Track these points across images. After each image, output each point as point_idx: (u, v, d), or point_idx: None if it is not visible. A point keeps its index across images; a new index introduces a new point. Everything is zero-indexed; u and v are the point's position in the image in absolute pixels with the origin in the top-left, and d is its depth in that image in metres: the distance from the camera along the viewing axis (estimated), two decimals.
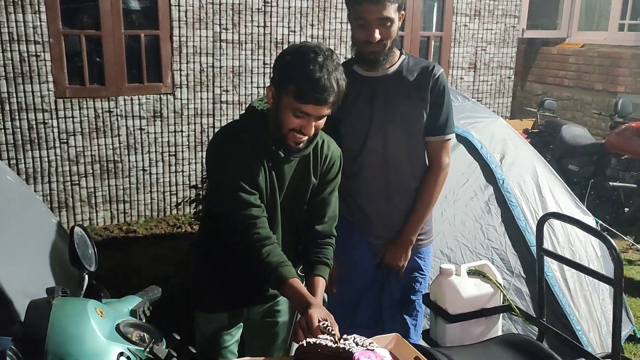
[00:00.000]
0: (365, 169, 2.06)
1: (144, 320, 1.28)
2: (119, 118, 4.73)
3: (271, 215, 1.70)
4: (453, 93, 3.54)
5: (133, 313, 1.29)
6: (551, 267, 2.77)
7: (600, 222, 3.13)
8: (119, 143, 4.78)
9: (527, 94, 7.30)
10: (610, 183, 4.17)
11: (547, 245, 2.85)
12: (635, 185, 4.12)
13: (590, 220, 3.04)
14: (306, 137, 1.62)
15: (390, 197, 2.08)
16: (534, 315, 1.86)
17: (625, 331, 2.99)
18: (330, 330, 1.39)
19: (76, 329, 1.08)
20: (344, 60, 2.08)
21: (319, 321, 1.43)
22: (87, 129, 4.64)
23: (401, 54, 2.04)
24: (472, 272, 1.78)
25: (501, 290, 1.75)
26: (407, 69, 2.00)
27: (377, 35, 1.85)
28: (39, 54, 4.36)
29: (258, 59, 5.16)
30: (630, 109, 4.78)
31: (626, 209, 4.12)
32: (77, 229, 1.36)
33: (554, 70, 7.05)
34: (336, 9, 5.38)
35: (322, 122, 1.63)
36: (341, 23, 5.43)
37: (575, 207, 3.08)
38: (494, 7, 6.29)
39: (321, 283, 1.69)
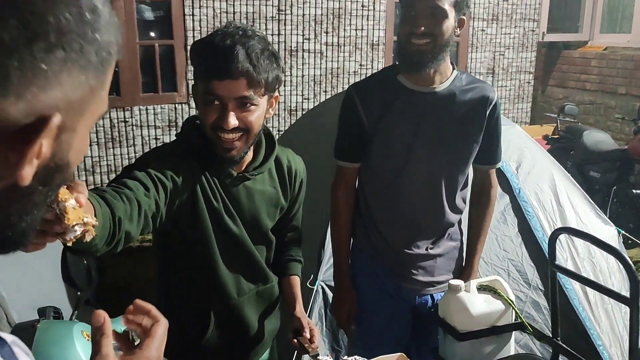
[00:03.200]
0: (402, 200, 1.81)
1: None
2: (135, 128, 4.75)
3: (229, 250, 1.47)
4: None
5: (126, 334, 1.24)
6: (570, 279, 2.67)
7: (623, 232, 3.01)
8: (135, 152, 4.80)
9: (548, 99, 7.16)
10: (634, 191, 4.04)
11: (566, 257, 2.77)
12: None
13: (611, 230, 2.93)
14: (235, 136, 1.34)
15: (428, 233, 1.85)
16: (549, 334, 1.78)
17: None
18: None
19: (60, 353, 1.05)
20: (388, 67, 1.88)
21: None
22: (102, 139, 4.67)
23: (453, 69, 1.78)
24: (483, 288, 1.71)
25: (513, 307, 1.68)
26: (460, 89, 1.75)
27: (423, 26, 1.60)
28: None
29: None
30: None
31: None
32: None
33: (576, 74, 6.90)
34: (350, 15, 5.34)
35: (252, 115, 1.33)
36: (355, 30, 5.39)
37: (595, 216, 2.98)
38: (512, 11, 6.19)
39: (298, 283, 1.67)
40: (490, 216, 1.95)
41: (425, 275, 1.87)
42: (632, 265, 1.38)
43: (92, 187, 4.66)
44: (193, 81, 1.44)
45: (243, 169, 1.47)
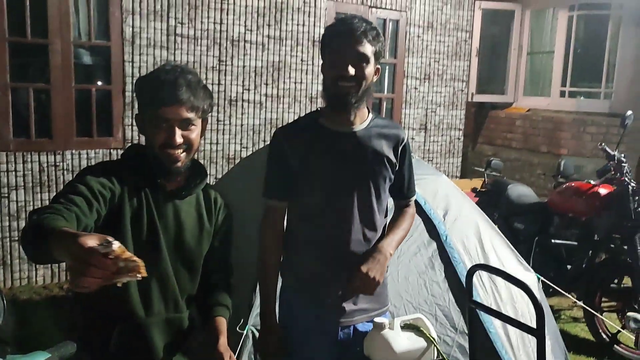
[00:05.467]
0: (325, 232, 1.89)
1: None
2: (65, 172, 4.62)
3: (154, 266, 1.54)
4: None
5: None
6: (494, 323, 2.77)
7: (543, 278, 3.16)
8: None
9: (477, 155, 7.53)
10: (553, 241, 4.26)
11: (490, 302, 2.87)
12: (576, 243, 4.22)
13: (532, 276, 3.07)
14: (180, 152, 1.59)
15: (348, 263, 1.88)
16: None
17: None
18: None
19: None
20: (311, 112, 2.00)
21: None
22: (30, 183, 4.51)
23: (369, 112, 1.94)
24: (406, 326, 1.76)
25: (435, 345, 1.73)
26: (376, 130, 1.90)
27: (352, 70, 1.75)
28: None
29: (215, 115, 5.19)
30: (572, 170, 4.96)
31: (569, 266, 4.20)
32: None
33: (503, 133, 7.33)
34: (292, 10, 5.47)
35: (192, 133, 1.62)
36: (297, 25, 5.51)
37: (517, 264, 3.12)
38: (443, 72, 6.57)
39: (224, 323, 1.68)
40: (409, 223, 2.04)
41: (347, 304, 1.90)
42: (537, 296, 1.47)
43: (16, 232, 4.48)
44: (138, 111, 1.69)
45: (175, 189, 1.65)
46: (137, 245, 1.52)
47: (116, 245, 1.03)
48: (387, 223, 2.02)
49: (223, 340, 1.64)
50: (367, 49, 1.77)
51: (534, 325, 1.69)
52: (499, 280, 2.87)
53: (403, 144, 1.94)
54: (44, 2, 4.38)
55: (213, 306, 1.73)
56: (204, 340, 1.69)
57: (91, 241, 1.04)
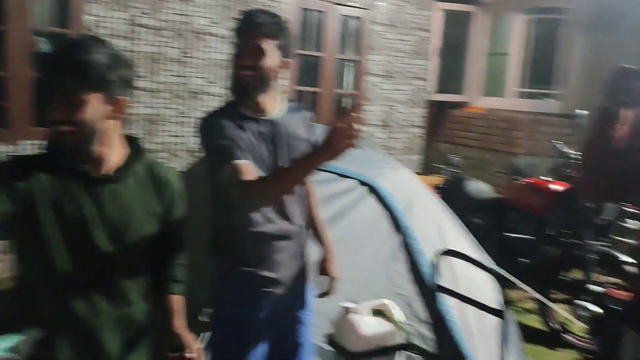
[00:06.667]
0: (266, 213, 1.98)
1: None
2: None
3: (82, 257, 1.41)
4: (363, 143, 3.68)
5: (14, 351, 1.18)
6: (455, 314, 2.84)
7: (501, 270, 3.28)
8: None
9: (436, 153, 7.69)
10: (509, 235, 4.42)
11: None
12: (531, 237, 4.38)
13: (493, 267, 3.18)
14: (67, 131, 1.38)
15: (288, 235, 2.04)
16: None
17: None
18: None
19: None
20: (230, 102, 2.05)
21: None
22: None
23: (284, 100, 2.10)
24: (373, 311, 1.81)
25: (401, 329, 1.79)
26: (292, 112, 2.09)
27: (250, 61, 1.90)
28: None
29: (175, 108, 5.14)
30: (525, 168, 5.14)
31: (523, 259, 4.36)
32: None
33: (462, 132, 7.51)
34: (257, 4, 5.43)
35: (79, 109, 1.38)
36: None
37: (479, 256, 3.22)
38: (403, 70, 6.69)
39: (180, 301, 1.62)
40: (317, 202, 2.27)
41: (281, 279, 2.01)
42: (501, 278, 1.55)
43: None
44: None
45: (108, 173, 1.47)
46: (70, 242, 1.40)
47: None
48: None
49: (179, 322, 1.58)
50: (266, 42, 1.90)
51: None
52: (460, 271, 2.96)
53: (313, 122, 2.17)
54: None
55: (166, 284, 1.64)
56: (159, 323, 1.60)
57: None
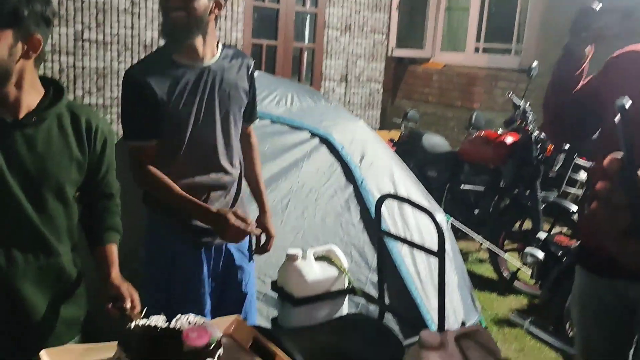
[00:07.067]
0: (192, 162, 1.94)
1: None
2: None
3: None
4: (315, 95, 3.65)
5: None
6: (405, 261, 2.90)
7: (452, 220, 3.35)
8: None
9: (396, 109, 7.70)
10: (463, 187, 4.51)
11: (399, 234, 2.99)
12: (484, 189, 4.48)
13: (441, 216, 3.24)
14: None
15: (221, 185, 2.01)
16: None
17: (472, 321, 3.20)
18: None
19: None
20: (161, 48, 1.99)
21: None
22: None
23: (220, 46, 2.01)
24: (319, 257, 1.81)
25: (345, 274, 1.80)
26: (228, 59, 1.99)
27: (178, 2, 1.81)
28: None
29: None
30: (483, 123, 5.20)
31: (476, 211, 4.47)
32: None
33: (420, 88, 7.52)
34: None
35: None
36: None
37: (429, 205, 3.27)
38: (363, 23, 6.60)
39: (114, 250, 1.56)
40: (259, 158, 2.22)
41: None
42: (438, 220, 1.57)
43: None
44: None
45: (22, 117, 1.38)
46: None
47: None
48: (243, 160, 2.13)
49: (115, 274, 1.51)
50: None
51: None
52: (409, 215, 3.01)
53: (251, 70, 2.06)
54: None
55: (99, 233, 1.57)
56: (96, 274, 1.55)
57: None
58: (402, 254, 2.88)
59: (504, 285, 4.13)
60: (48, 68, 4.59)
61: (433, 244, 3.01)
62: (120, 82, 1.97)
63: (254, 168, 2.19)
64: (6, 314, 1.37)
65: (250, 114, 2.14)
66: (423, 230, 3.04)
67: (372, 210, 2.97)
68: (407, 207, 3.01)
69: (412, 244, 1.80)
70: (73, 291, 1.53)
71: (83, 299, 1.58)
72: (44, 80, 1.46)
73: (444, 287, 1.52)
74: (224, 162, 1.99)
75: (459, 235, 4.03)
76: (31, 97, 1.40)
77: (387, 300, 1.90)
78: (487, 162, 4.47)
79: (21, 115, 1.38)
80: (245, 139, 2.16)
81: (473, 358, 1.22)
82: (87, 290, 1.59)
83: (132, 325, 1.27)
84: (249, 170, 2.17)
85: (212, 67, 1.93)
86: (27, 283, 1.40)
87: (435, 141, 4.95)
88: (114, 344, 1.21)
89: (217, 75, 1.93)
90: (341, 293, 1.80)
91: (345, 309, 1.83)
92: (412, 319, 1.83)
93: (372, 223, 2.94)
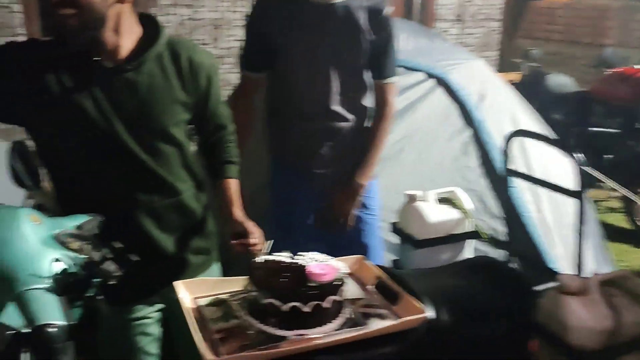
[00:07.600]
0: (306, 106, 1.91)
1: None
2: None
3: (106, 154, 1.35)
4: (431, 34, 3.47)
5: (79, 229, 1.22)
6: (528, 207, 2.74)
7: (585, 167, 3.08)
8: None
9: (515, 50, 7.20)
10: (593, 129, 4.16)
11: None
12: (619, 131, 4.10)
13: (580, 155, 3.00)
14: (68, 15, 1.24)
15: (335, 131, 1.93)
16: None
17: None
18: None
19: (3, 233, 1.04)
20: None
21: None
22: None
23: None
24: (441, 199, 1.74)
25: (469, 216, 1.72)
26: (355, 2, 1.83)
27: None
28: None
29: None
30: (617, 61, 4.72)
31: (607, 155, 4.11)
32: (17, 145, 1.30)
33: (543, 25, 6.94)
34: None
35: None
36: None
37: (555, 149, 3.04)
38: None
39: (234, 184, 1.53)
40: (385, 131, 1.98)
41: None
42: (578, 160, 1.43)
43: None
44: None
45: (122, 62, 1.36)
46: (90, 136, 1.34)
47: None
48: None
49: (237, 212, 1.48)
50: None
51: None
52: (533, 158, 2.81)
53: (383, 16, 1.85)
54: None
55: (216, 167, 1.55)
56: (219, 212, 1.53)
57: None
58: (524, 199, 2.72)
59: (639, 235, 3.81)
60: (168, 21, 4.77)
61: (563, 182, 2.85)
62: (234, 32, 1.99)
63: (371, 132, 2.00)
64: (139, 253, 1.36)
65: (380, 68, 1.93)
66: (551, 174, 2.83)
67: (493, 153, 2.82)
68: (531, 150, 2.82)
69: (548, 184, 1.66)
70: (201, 226, 1.56)
71: (212, 233, 1.60)
72: (140, 17, 1.41)
73: (582, 230, 1.40)
74: (340, 109, 1.90)
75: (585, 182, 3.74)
76: (130, 40, 1.37)
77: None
78: (623, 100, 4.07)
79: (121, 60, 1.36)
80: (378, 98, 1.98)
81: (620, 306, 1.11)
82: (216, 225, 1.62)
83: (258, 259, 1.28)
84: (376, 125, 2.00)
85: (337, 6, 1.79)
86: (154, 222, 1.44)
87: (561, 81, 4.59)
88: (244, 278, 1.24)
89: (340, 16, 1.80)
90: (464, 236, 1.72)
91: (467, 253, 1.76)
92: (541, 266, 1.71)
93: (492, 167, 2.79)
